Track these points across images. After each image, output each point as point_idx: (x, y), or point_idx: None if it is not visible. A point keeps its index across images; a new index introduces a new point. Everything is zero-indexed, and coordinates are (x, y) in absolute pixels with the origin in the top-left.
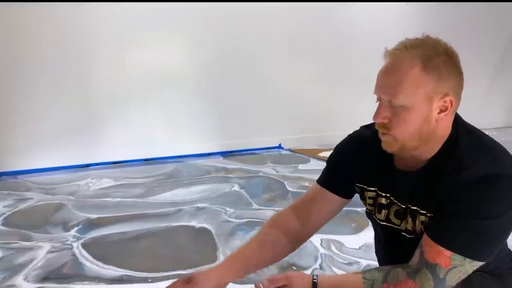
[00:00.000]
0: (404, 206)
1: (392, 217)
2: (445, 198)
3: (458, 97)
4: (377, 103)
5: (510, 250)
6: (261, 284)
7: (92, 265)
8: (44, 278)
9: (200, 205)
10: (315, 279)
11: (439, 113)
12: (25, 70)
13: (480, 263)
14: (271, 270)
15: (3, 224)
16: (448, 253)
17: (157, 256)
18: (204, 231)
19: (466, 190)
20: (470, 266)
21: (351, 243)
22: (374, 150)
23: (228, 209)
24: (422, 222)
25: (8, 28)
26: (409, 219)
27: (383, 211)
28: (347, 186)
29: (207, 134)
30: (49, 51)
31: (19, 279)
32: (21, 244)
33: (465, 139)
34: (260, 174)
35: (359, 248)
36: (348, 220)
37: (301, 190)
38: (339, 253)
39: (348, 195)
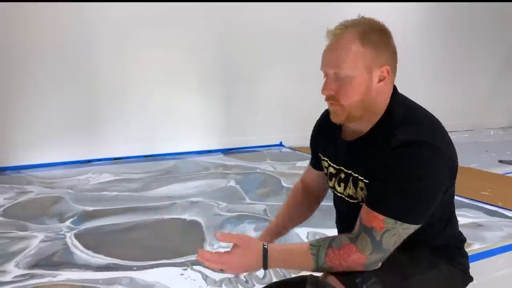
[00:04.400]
0: (347, 173)
1: (336, 185)
2: (376, 166)
3: (394, 68)
4: (324, 79)
5: (460, 231)
6: (215, 234)
7: (82, 253)
8: (34, 265)
9: (194, 199)
10: (265, 246)
11: (378, 82)
12: (27, 67)
13: (412, 227)
14: None
15: (2, 215)
16: (381, 217)
17: (145, 247)
18: (194, 224)
19: (392, 156)
20: (403, 229)
21: None
22: (329, 125)
23: (221, 203)
24: (361, 189)
25: (10, 25)
26: (351, 185)
27: (333, 179)
28: (319, 161)
29: (208, 132)
30: (51, 48)
31: (10, 266)
32: (16, 233)
33: (399, 110)
34: (258, 170)
35: None
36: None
37: None
38: None
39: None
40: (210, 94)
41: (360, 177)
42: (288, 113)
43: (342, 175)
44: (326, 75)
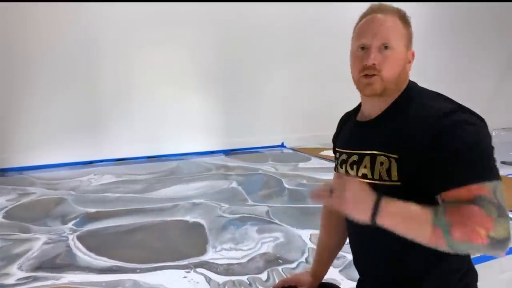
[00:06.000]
0: (361, 154)
1: (349, 169)
2: (419, 137)
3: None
4: (362, 50)
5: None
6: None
7: (84, 256)
8: (38, 268)
9: (196, 200)
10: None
11: (408, 62)
12: (30, 68)
13: (500, 182)
14: (257, 262)
15: (4, 217)
16: (475, 186)
17: (148, 249)
18: (197, 226)
19: (440, 124)
20: (501, 187)
21: None
22: (346, 119)
23: (223, 204)
24: (381, 163)
25: (13, 27)
26: (367, 164)
27: (343, 165)
28: None
29: (210, 132)
30: (54, 49)
31: (13, 268)
32: (19, 235)
33: (418, 89)
34: (260, 171)
35: (347, 243)
36: None
37: (298, 188)
38: None
39: None
40: (212, 95)
41: (380, 153)
42: (290, 114)
43: (356, 158)
44: (369, 46)
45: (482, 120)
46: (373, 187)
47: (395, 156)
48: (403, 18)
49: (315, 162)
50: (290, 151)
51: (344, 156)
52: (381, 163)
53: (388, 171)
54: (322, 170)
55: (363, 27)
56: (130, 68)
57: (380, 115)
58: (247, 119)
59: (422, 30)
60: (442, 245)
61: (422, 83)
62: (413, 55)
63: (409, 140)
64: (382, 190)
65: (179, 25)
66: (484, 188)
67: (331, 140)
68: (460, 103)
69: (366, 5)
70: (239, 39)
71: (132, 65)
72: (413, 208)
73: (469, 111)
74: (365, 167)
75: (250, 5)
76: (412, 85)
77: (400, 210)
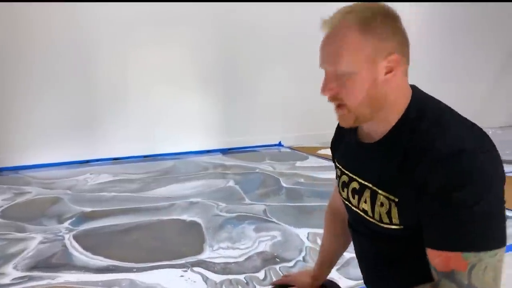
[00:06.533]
0: (362, 184)
1: (350, 196)
2: (415, 184)
3: (404, 55)
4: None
5: None
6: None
7: (81, 255)
8: (33, 267)
9: (193, 199)
10: None
11: (385, 74)
12: (25, 67)
13: (501, 250)
14: (255, 261)
15: (0, 217)
16: (457, 254)
17: (145, 248)
18: (194, 225)
19: (439, 172)
20: (490, 257)
21: None
22: (345, 129)
23: (220, 203)
24: (382, 204)
25: (7, 25)
26: (368, 200)
27: (345, 189)
28: None
29: (207, 132)
30: (49, 48)
31: (9, 268)
32: (15, 235)
33: (423, 108)
34: (257, 170)
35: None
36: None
37: (295, 186)
38: None
39: None
40: (209, 94)
41: (380, 192)
42: (287, 112)
43: (356, 186)
44: (325, 72)
45: (498, 157)
46: (374, 226)
47: (395, 199)
48: (363, 23)
49: (312, 161)
50: (288, 150)
51: (345, 178)
52: (381, 204)
53: (389, 213)
54: (320, 169)
55: (320, 47)
56: (126, 67)
57: (380, 140)
58: (244, 118)
59: (420, 30)
60: None
61: (418, 82)
62: (397, 61)
63: (409, 182)
64: (383, 231)
65: (175, 24)
66: (462, 262)
67: (328, 139)
68: (480, 130)
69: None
70: (235, 38)
71: (128, 64)
72: None
73: (482, 148)
74: (365, 202)
75: (247, 3)
76: (413, 103)
77: None
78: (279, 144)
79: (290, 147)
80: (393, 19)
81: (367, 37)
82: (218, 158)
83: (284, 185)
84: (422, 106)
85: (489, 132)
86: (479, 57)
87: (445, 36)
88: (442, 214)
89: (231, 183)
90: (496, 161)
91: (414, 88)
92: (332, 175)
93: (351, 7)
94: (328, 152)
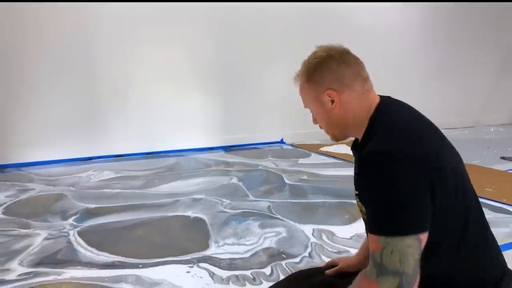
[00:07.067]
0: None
1: (357, 200)
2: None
3: (342, 85)
4: None
5: (471, 252)
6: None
7: (86, 251)
8: (39, 263)
9: (197, 196)
10: None
11: (332, 103)
12: (28, 64)
13: (411, 238)
14: (261, 257)
15: (3, 213)
16: (374, 237)
17: (150, 244)
18: (198, 221)
19: (360, 170)
20: (400, 242)
21: (343, 233)
22: None
23: (224, 200)
24: (360, 205)
25: (9, 23)
26: (358, 203)
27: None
28: None
29: (209, 129)
30: (51, 45)
31: (14, 264)
32: (19, 231)
33: (378, 117)
34: (260, 167)
35: (350, 238)
36: (341, 211)
37: (298, 183)
38: (329, 242)
39: None
40: (210, 91)
41: (357, 194)
42: (289, 110)
43: (356, 191)
44: None
45: (405, 156)
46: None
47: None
48: (306, 74)
49: (314, 158)
50: (290, 147)
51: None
52: (360, 205)
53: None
54: (323, 166)
55: None
56: (128, 64)
57: (357, 145)
58: (246, 115)
59: (421, 28)
60: None
61: (420, 80)
62: (335, 92)
63: (359, 184)
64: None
65: (176, 22)
66: (376, 243)
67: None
68: (402, 135)
69: (368, 4)
70: (236, 35)
71: (130, 61)
72: None
73: (391, 149)
74: (362, 208)
75: (248, 2)
76: (373, 117)
77: None
78: (281, 142)
79: (292, 144)
80: (327, 59)
81: (310, 84)
82: (221, 155)
83: (288, 182)
84: (377, 120)
85: (491, 130)
86: (481, 55)
87: (446, 35)
88: (367, 203)
89: (234, 180)
90: (407, 160)
91: (381, 101)
92: (334, 171)
93: (304, 62)
94: (330, 149)
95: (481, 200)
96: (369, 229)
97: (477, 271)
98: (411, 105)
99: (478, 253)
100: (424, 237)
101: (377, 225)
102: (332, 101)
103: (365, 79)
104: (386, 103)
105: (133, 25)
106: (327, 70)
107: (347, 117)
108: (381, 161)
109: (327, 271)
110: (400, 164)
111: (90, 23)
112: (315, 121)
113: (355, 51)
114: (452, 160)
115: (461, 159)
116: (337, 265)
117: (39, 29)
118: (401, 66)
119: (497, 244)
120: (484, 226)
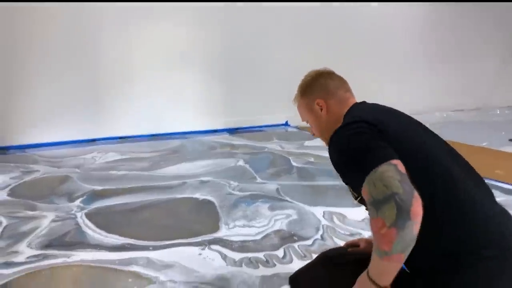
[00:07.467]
0: None
1: None
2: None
3: (328, 93)
4: None
5: (449, 243)
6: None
7: (94, 233)
8: (47, 245)
9: (204, 178)
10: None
11: (321, 111)
12: (32, 46)
13: (383, 167)
14: (272, 239)
15: (9, 195)
16: (363, 190)
17: (159, 226)
18: (207, 203)
19: (330, 144)
20: (373, 173)
21: (354, 216)
22: None
23: (232, 182)
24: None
25: (16, 6)
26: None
27: None
28: None
29: (213, 111)
30: (56, 28)
31: (22, 246)
32: (25, 213)
33: (346, 115)
34: (266, 150)
35: (362, 220)
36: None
37: (306, 166)
38: (341, 224)
39: None
40: (215, 73)
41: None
42: (294, 92)
43: None
44: None
45: (356, 122)
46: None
47: (345, 182)
48: (302, 92)
49: (320, 141)
50: (295, 129)
51: None
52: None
53: (353, 194)
54: None
55: None
56: (133, 45)
57: None
58: (250, 97)
59: (430, 11)
60: (399, 259)
61: (429, 62)
62: (323, 101)
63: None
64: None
65: (182, 6)
66: (364, 191)
67: None
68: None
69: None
70: (241, 18)
71: (135, 43)
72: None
73: (344, 124)
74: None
75: None
76: (346, 112)
77: (374, 266)
78: (286, 124)
79: (296, 127)
80: (315, 78)
81: (304, 98)
82: (225, 138)
83: (295, 164)
84: (345, 115)
85: (497, 112)
86: (487, 37)
87: (454, 17)
88: (347, 176)
89: (241, 163)
90: (354, 130)
91: (355, 103)
92: None
93: (302, 81)
94: None
95: (491, 182)
96: (358, 188)
97: (451, 244)
98: (387, 105)
99: (449, 225)
100: (396, 162)
101: (354, 178)
102: (321, 108)
103: (347, 90)
104: (358, 104)
105: (138, 7)
106: (316, 84)
107: (333, 120)
108: (336, 136)
109: (350, 250)
110: (348, 128)
111: (96, 4)
112: (311, 131)
113: (359, 34)
114: (405, 134)
115: (430, 143)
116: (358, 245)
117: (46, 9)
118: (410, 49)
119: (493, 220)
120: (462, 197)
